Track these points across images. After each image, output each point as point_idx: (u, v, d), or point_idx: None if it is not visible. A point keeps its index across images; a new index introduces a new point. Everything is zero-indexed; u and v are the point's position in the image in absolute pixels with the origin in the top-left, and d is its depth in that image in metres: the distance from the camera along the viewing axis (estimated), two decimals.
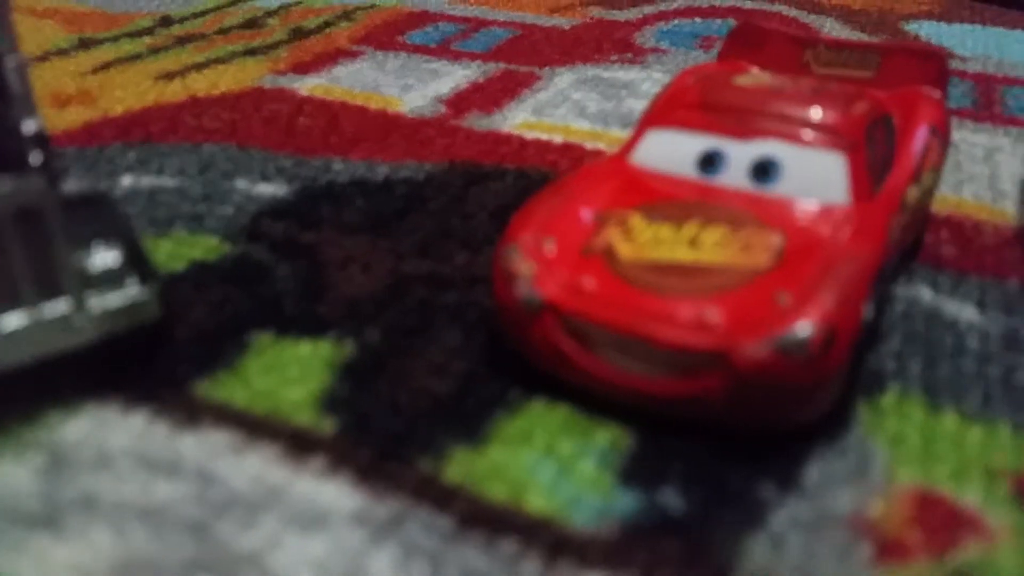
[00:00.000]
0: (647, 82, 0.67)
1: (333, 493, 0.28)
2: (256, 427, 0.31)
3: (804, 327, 0.28)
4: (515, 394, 0.33)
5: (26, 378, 0.31)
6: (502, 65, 0.72)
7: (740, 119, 0.37)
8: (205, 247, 0.43)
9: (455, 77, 0.68)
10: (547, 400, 0.33)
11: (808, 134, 0.36)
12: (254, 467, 0.29)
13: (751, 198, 0.35)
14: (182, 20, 0.84)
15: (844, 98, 0.38)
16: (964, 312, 0.39)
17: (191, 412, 0.32)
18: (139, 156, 0.53)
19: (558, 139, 0.57)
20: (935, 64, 0.45)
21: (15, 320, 0.30)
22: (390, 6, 0.88)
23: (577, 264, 0.32)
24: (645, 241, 0.33)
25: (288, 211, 0.47)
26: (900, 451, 0.31)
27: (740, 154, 0.36)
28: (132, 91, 0.64)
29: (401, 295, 0.40)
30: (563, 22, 0.84)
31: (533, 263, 0.32)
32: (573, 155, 0.55)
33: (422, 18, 0.85)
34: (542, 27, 0.83)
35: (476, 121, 0.60)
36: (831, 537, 0.27)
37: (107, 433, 0.31)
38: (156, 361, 0.34)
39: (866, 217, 0.34)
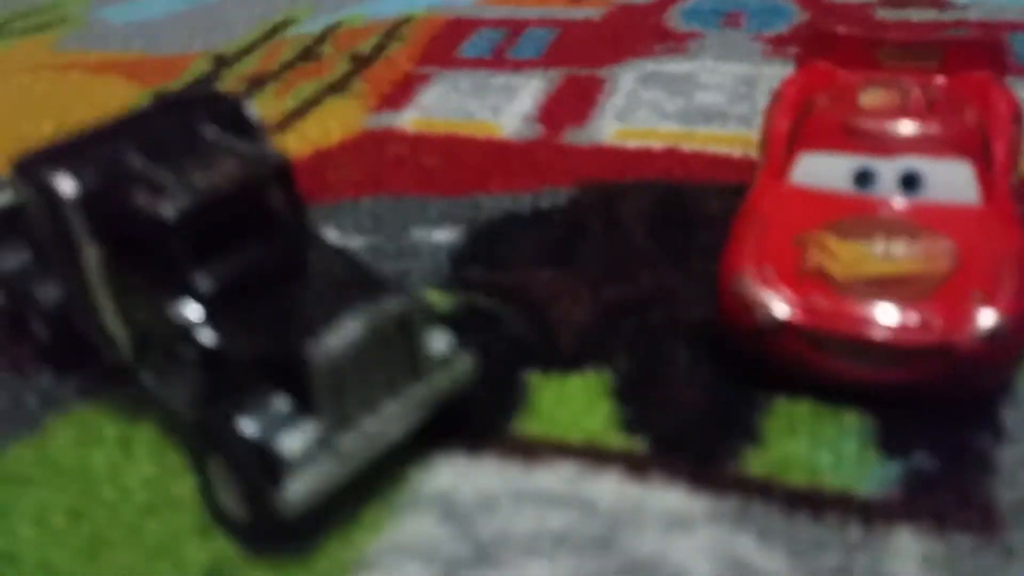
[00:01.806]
0: (703, 73, 0.75)
1: (681, 499, 0.37)
2: (586, 454, 0.40)
3: (1001, 317, 0.38)
4: (760, 396, 0.42)
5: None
6: (563, 70, 0.78)
7: (883, 140, 0.46)
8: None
9: (529, 90, 0.75)
10: (787, 397, 0.42)
11: (939, 147, 0.45)
12: (611, 487, 0.38)
13: (909, 208, 0.44)
14: (238, 58, 0.88)
15: (955, 105, 0.47)
16: None
17: (527, 449, 0.40)
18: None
19: (657, 145, 0.65)
20: (994, 50, 0.54)
21: (393, 407, 0.38)
22: (424, 15, 0.94)
23: (799, 285, 0.41)
24: (848, 259, 0.42)
25: (472, 255, 0.54)
26: None
27: (888, 170, 0.45)
28: None
29: (616, 321, 0.48)
30: (591, 13, 0.91)
31: (764, 289, 0.41)
32: (676, 159, 0.63)
33: (461, 27, 0.90)
34: (575, 21, 0.89)
35: (575, 136, 0.67)
36: None
37: (471, 479, 0.39)
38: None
39: (999, 212, 0.44)
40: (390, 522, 0.38)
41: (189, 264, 0.38)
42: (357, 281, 0.38)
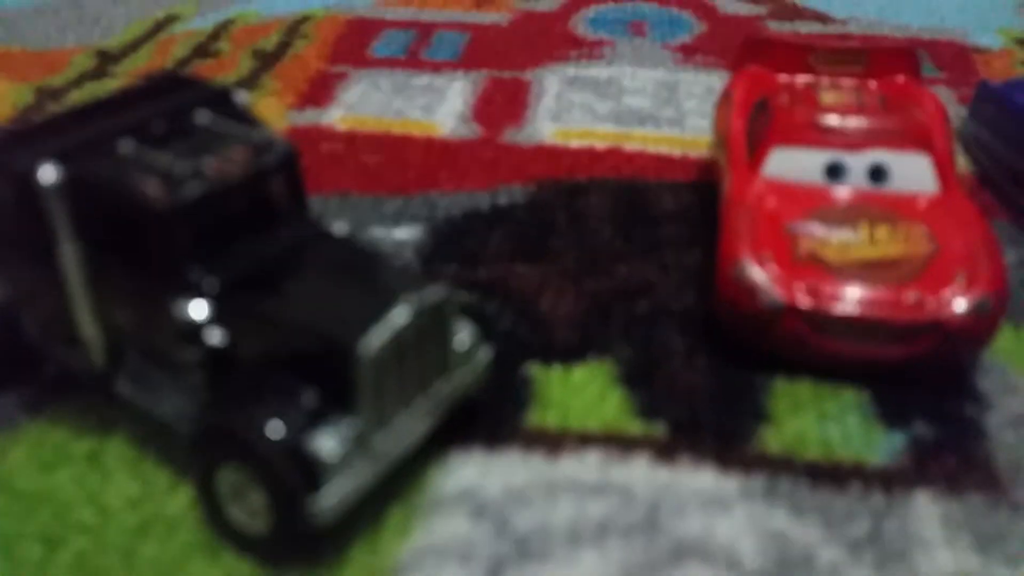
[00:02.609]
0: (624, 78, 0.77)
1: (712, 479, 0.37)
2: (609, 441, 0.39)
3: (985, 293, 0.41)
4: (761, 379, 0.43)
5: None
6: (485, 73, 0.78)
7: (851, 135, 0.48)
8: None
9: (455, 91, 0.74)
10: (786, 378, 0.43)
11: (901, 141, 0.48)
12: (642, 472, 0.38)
13: (880, 197, 0.47)
14: (123, 53, 0.81)
15: (909, 106, 0.51)
16: None
17: (547, 441, 0.39)
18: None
19: (599, 145, 0.66)
20: (911, 58, 0.59)
21: (423, 403, 0.35)
22: (324, 14, 0.90)
23: (797, 270, 0.43)
24: (837, 246, 0.43)
25: (440, 252, 0.53)
26: (1016, 363, 0.45)
27: (856, 163, 0.48)
28: None
29: (606, 313, 0.48)
30: (498, 18, 0.91)
31: (766, 275, 0.42)
32: (622, 158, 0.64)
33: (366, 27, 0.88)
34: (483, 25, 0.89)
35: (516, 136, 0.67)
36: None
37: (495, 475, 0.38)
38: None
39: (957, 200, 0.47)
40: (417, 524, 0.36)
41: (192, 258, 0.34)
42: (386, 271, 0.36)
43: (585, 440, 0.39)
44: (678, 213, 0.57)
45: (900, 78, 0.58)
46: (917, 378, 0.43)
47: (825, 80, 0.57)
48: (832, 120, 0.49)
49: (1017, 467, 0.38)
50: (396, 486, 0.37)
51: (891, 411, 0.41)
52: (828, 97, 0.51)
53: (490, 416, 0.40)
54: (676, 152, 0.65)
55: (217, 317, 0.34)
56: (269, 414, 0.32)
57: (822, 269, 0.43)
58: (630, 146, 0.66)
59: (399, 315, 0.33)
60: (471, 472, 0.38)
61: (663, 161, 0.64)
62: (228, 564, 0.34)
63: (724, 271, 0.44)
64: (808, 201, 0.47)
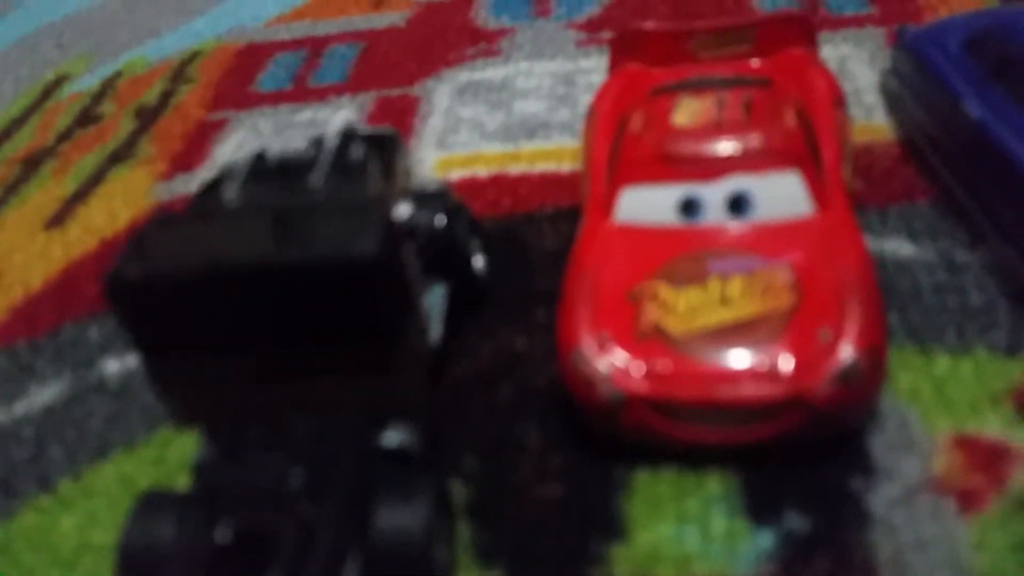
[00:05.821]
0: (519, 77, 0.70)
1: None
2: None
3: (853, 356, 0.35)
4: (620, 474, 0.38)
5: None
6: (373, 93, 0.72)
7: (703, 164, 0.42)
8: None
9: (339, 122, 0.68)
10: (649, 469, 0.38)
11: (764, 161, 0.42)
12: None
13: (740, 234, 0.40)
14: (8, 133, 0.78)
15: (774, 110, 0.44)
16: (902, 249, 0.47)
17: None
18: (102, 333, 0.52)
19: (482, 173, 0.60)
20: (803, 25, 0.52)
21: None
22: (213, 47, 0.85)
23: (638, 350, 0.37)
24: (684, 311, 0.38)
25: None
26: (921, 404, 0.39)
27: (713, 194, 0.42)
28: (34, 255, 0.60)
29: (464, 408, 0.43)
30: (395, 19, 0.84)
31: (603, 362, 0.37)
32: (504, 187, 0.58)
33: (256, 55, 0.82)
34: (379, 30, 0.83)
35: None
36: (922, 505, 0.35)
37: None
38: None
39: (834, 221, 0.41)
40: None
41: None
42: None
43: None
44: (557, 252, 0.51)
45: (795, 52, 0.51)
46: (795, 451, 0.37)
47: (696, 72, 0.50)
48: (683, 146, 0.43)
49: (900, 562, 0.33)
50: None
51: (761, 501, 0.36)
52: (682, 115, 0.45)
53: None
54: (565, 167, 0.59)
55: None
56: None
57: (665, 344, 0.37)
58: (516, 168, 0.60)
59: None
60: None
61: (550, 182, 0.58)
62: None
63: (562, 358, 0.38)
64: (657, 254, 0.41)
